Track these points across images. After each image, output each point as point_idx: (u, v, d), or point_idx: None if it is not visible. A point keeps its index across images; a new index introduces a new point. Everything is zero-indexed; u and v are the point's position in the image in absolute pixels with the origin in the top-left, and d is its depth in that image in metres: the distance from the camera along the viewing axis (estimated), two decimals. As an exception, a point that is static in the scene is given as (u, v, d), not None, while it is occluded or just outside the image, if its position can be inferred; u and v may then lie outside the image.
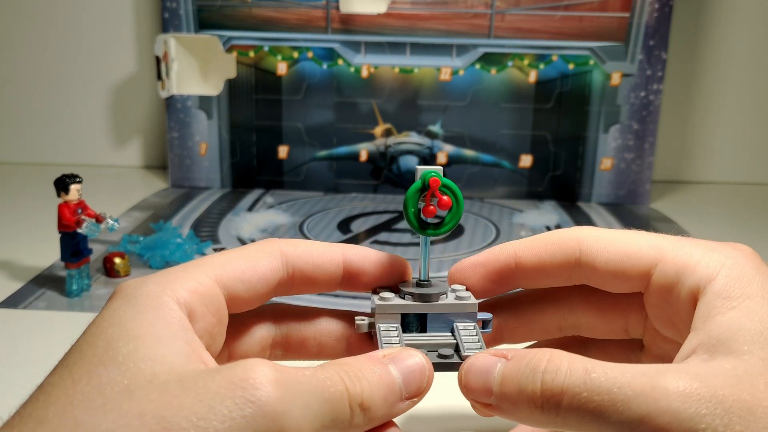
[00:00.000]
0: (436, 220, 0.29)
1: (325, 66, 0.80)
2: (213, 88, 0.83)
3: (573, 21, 0.77)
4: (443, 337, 0.28)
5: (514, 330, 0.31)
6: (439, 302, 0.29)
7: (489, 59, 0.79)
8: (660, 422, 0.21)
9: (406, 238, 0.66)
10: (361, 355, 0.25)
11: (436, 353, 0.27)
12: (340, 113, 0.81)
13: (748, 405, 0.21)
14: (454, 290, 0.30)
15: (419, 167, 0.28)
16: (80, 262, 0.51)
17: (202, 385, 0.21)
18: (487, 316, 0.29)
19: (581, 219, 0.75)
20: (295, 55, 0.80)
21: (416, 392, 0.25)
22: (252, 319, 0.30)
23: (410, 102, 0.81)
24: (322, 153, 0.83)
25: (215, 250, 0.62)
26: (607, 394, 0.22)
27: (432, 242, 0.30)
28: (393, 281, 0.30)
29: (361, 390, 0.23)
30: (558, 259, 0.29)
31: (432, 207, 0.28)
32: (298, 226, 0.70)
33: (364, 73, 0.80)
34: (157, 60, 0.79)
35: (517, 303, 0.31)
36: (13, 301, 0.50)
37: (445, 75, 0.79)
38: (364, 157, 0.82)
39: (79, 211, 0.50)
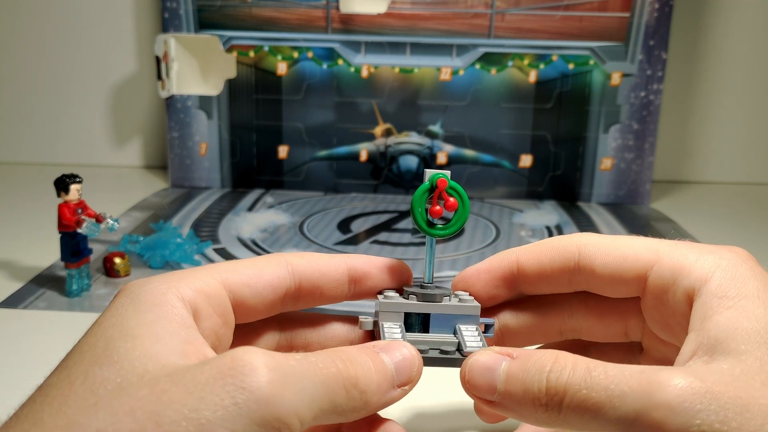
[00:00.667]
0: (443, 222, 0.29)
1: (325, 66, 0.80)
2: (213, 88, 0.83)
3: (573, 21, 0.77)
4: (445, 338, 0.28)
5: (515, 334, 0.32)
6: (442, 303, 0.29)
7: (489, 59, 0.79)
8: (655, 417, 0.21)
9: (407, 238, 0.66)
10: (352, 346, 0.25)
11: (438, 350, 0.27)
12: (340, 113, 0.81)
13: (743, 402, 0.21)
14: (457, 295, 0.30)
15: (428, 170, 0.29)
16: (80, 262, 0.51)
17: (191, 377, 0.21)
18: (490, 320, 0.30)
19: (581, 219, 0.75)
20: (295, 55, 0.80)
21: (407, 380, 0.25)
22: (257, 324, 0.30)
23: (410, 102, 0.81)
24: (322, 153, 0.83)
25: (215, 250, 0.62)
26: (604, 391, 0.22)
27: (437, 241, 0.30)
28: (397, 285, 0.31)
29: (355, 373, 0.23)
30: (557, 263, 0.29)
31: (438, 207, 0.29)
32: (298, 226, 0.70)
33: (364, 73, 0.80)
34: (157, 60, 0.79)
35: (517, 308, 0.32)
36: (13, 301, 0.50)
37: (445, 75, 0.79)
38: (364, 157, 0.82)
39: (79, 211, 0.50)
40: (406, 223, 0.71)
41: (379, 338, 0.28)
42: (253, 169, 0.83)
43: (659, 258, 0.27)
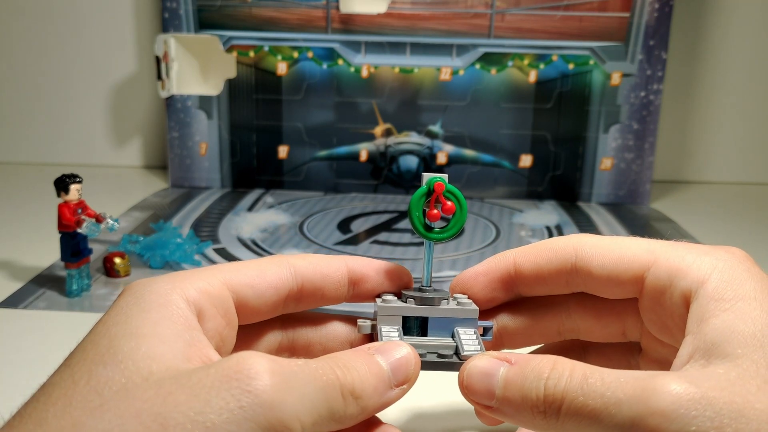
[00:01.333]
0: (441, 224, 0.29)
1: (325, 66, 0.80)
2: (213, 88, 0.83)
3: (573, 21, 0.77)
4: (443, 341, 0.28)
5: (514, 336, 0.32)
6: (441, 306, 0.29)
7: (489, 59, 0.79)
8: (650, 423, 0.21)
9: (406, 238, 0.66)
10: (348, 350, 0.25)
11: (436, 354, 0.27)
12: (340, 113, 0.81)
13: (739, 407, 0.21)
14: (455, 298, 0.30)
15: (425, 174, 0.29)
16: (80, 262, 0.51)
17: (197, 380, 0.21)
18: (488, 323, 0.30)
19: (581, 219, 0.75)
20: (295, 55, 0.80)
21: (404, 379, 0.25)
22: (260, 324, 0.30)
23: (410, 102, 0.81)
24: (322, 153, 0.83)
25: (215, 250, 0.62)
26: (600, 398, 0.22)
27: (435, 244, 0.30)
28: (396, 288, 0.31)
29: (351, 379, 0.23)
30: (555, 265, 0.29)
31: (436, 211, 0.29)
32: (298, 226, 0.70)
33: (364, 73, 0.80)
34: (157, 60, 0.79)
35: (516, 309, 0.32)
36: (13, 301, 0.50)
37: (445, 75, 0.79)
38: (364, 157, 0.82)
39: (79, 211, 0.50)
40: (406, 223, 0.71)
41: (377, 341, 0.28)
42: (253, 169, 0.83)
43: (656, 259, 0.27)
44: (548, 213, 0.77)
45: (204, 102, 0.82)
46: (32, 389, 0.22)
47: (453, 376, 0.26)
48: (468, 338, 0.28)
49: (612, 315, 0.30)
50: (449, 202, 0.28)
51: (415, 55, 0.79)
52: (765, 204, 0.85)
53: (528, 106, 0.80)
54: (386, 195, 0.83)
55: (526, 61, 0.79)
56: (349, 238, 0.67)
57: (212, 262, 0.59)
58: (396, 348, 0.25)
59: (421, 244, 0.64)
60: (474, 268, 0.31)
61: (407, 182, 0.83)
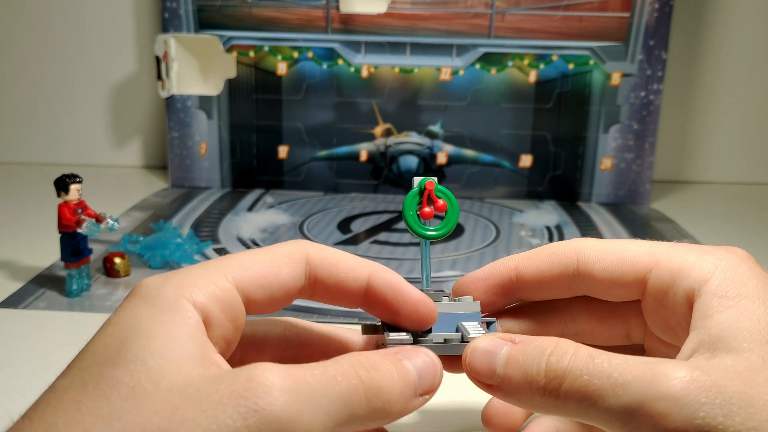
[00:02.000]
0: (435, 223, 0.30)
1: (325, 66, 0.80)
2: (213, 88, 0.83)
3: (573, 21, 0.77)
4: (449, 334, 0.28)
5: None
6: (443, 302, 0.29)
7: (489, 59, 0.79)
8: (658, 407, 0.21)
9: (406, 238, 0.66)
10: (374, 350, 0.25)
11: (442, 340, 0.27)
12: (340, 113, 0.81)
13: (748, 397, 0.21)
14: (458, 299, 0.30)
15: (415, 177, 0.30)
16: (80, 262, 0.51)
17: (205, 394, 0.21)
18: (491, 319, 0.30)
19: (581, 219, 0.75)
20: (295, 55, 0.80)
21: (429, 388, 0.25)
22: (264, 327, 0.30)
23: (410, 102, 0.81)
24: (322, 153, 0.83)
25: (215, 250, 0.62)
26: (607, 379, 0.22)
27: (432, 243, 0.31)
28: (413, 324, 0.28)
29: (378, 381, 0.23)
30: (557, 270, 0.29)
31: (428, 209, 0.29)
32: (298, 226, 0.70)
33: (364, 73, 0.80)
34: (157, 60, 0.79)
35: (519, 313, 0.32)
36: (13, 301, 0.50)
37: (445, 75, 0.79)
38: (364, 157, 0.82)
39: (79, 211, 0.50)
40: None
41: (383, 342, 0.27)
42: (253, 169, 0.83)
43: (658, 260, 0.27)
44: (548, 213, 0.77)
45: (204, 102, 0.82)
46: (32, 389, 0.22)
47: (458, 377, 0.26)
48: (472, 327, 0.28)
49: (615, 317, 0.30)
50: (441, 200, 0.30)
51: (415, 55, 0.79)
52: (765, 204, 0.85)
53: (528, 106, 0.80)
54: (386, 195, 0.83)
55: (526, 61, 0.79)
56: (349, 238, 0.67)
57: (212, 262, 0.59)
58: (422, 354, 0.25)
59: (421, 244, 0.64)
60: (474, 272, 0.31)
61: (407, 182, 0.83)
